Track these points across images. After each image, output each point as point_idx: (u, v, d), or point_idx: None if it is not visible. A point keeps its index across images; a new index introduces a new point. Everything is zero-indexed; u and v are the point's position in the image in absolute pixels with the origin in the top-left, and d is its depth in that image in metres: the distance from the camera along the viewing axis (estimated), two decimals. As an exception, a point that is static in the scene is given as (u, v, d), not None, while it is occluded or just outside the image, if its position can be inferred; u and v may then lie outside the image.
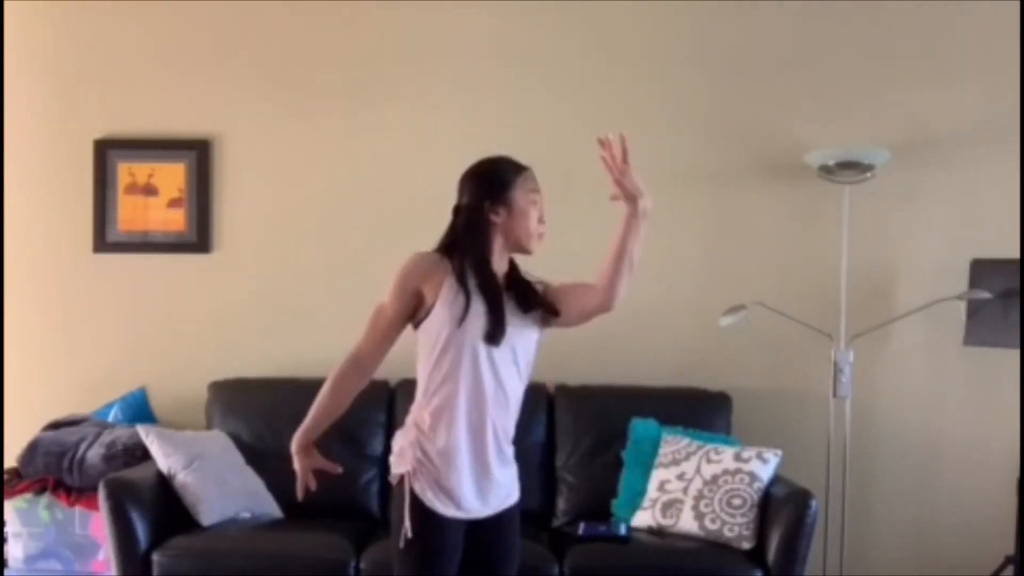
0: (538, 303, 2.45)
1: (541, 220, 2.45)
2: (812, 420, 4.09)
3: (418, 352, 2.45)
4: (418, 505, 2.37)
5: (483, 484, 2.41)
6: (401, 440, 2.47)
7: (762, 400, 4.12)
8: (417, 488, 2.37)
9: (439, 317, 2.35)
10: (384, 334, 2.44)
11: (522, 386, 2.48)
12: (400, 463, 2.44)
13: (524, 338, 2.44)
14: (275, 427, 3.97)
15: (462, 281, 2.36)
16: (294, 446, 2.51)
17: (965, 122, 4.15)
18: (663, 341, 4.20)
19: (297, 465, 2.52)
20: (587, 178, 4.19)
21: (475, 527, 2.43)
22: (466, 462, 2.39)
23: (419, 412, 2.43)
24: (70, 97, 4.33)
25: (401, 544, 2.38)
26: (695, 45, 4.24)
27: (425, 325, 2.39)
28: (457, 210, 2.45)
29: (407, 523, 2.36)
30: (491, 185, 2.42)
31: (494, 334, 2.34)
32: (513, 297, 2.43)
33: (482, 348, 2.36)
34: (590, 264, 4.01)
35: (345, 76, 4.28)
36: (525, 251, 2.46)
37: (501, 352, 2.38)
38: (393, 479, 2.47)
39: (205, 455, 3.68)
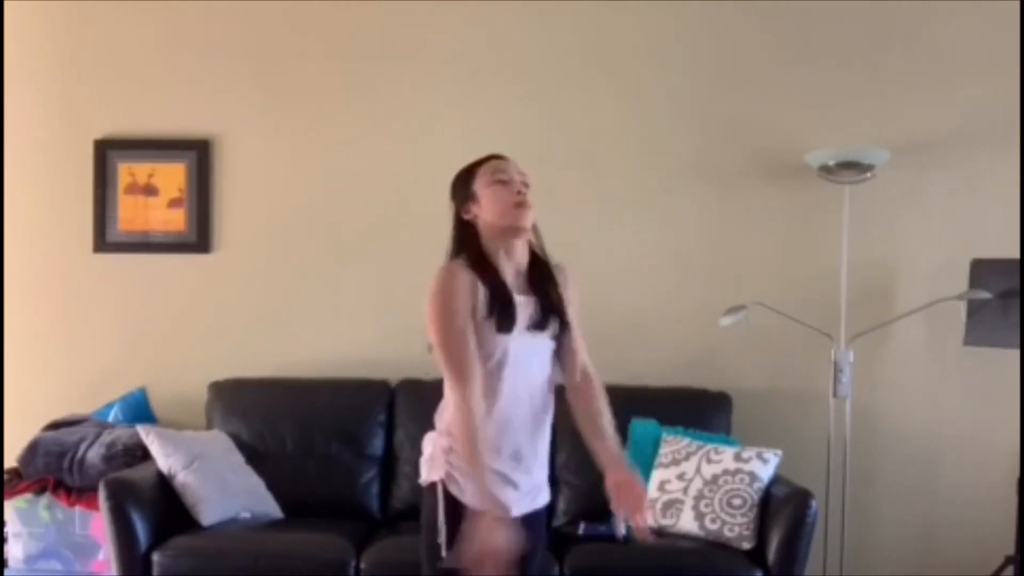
0: (553, 310, 2.40)
1: (519, 201, 2.33)
2: (812, 420, 4.09)
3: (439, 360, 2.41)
4: (454, 506, 2.33)
5: (519, 482, 2.39)
6: (432, 446, 2.43)
7: (762, 400, 4.12)
8: (454, 490, 2.34)
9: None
10: (470, 354, 2.27)
11: (548, 374, 2.44)
12: (432, 470, 2.40)
13: (541, 339, 2.41)
14: (275, 427, 3.98)
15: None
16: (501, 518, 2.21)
17: (965, 122, 4.15)
18: (663, 341, 4.20)
19: (497, 542, 2.17)
20: (585, 177, 4.23)
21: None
22: (505, 463, 2.36)
23: (450, 420, 2.38)
24: (70, 97, 4.34)
25: (436, 545, 2.34)
26: (695, 45, 4.23)
27: None
28: None
29: (442, 526, 2.33)
30: (458, 188, 2.42)
31: (503, 322, 2.30)
32: (534, 295, 2.39)
33: (505, 346, 2.32)
34: (587, 258, 4.06)
35: (345, 76, 4.28)
36: (512, 230, 2.36)
37: (525, 348, 2.36)
38: (424, 483, 2.43)
39: (205, 455, 3.68)
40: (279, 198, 4.32)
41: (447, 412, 2.41)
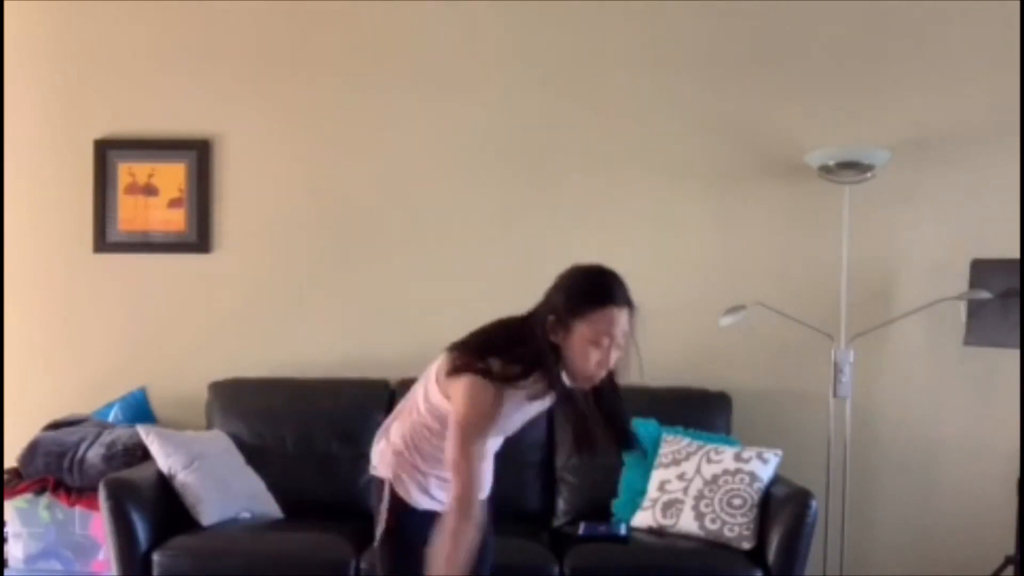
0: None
1: (601, 364, 2.24)
2: (812, 420, 4.08)
3: (433, 408, 2.40)
4: (399, 503, 2.43)
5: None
6: (384, 448, 2.50)
7: (762, 400, 4.12)
8: (400, 490, 2.43)
9: None
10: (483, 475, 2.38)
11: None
12: (381, 467, 2.49)
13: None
14: (275, 427, 3.97)
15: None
16: None
17: (965, 122, 4.15)
18: (663, 341, 4.16)
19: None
20: (584, 177, 4.23)
21: None
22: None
23: (408, 452, 2.44)
24: (70, 97, 4.33)
25: (382, 536, 2.45)
26: (695, 45, 4.23)
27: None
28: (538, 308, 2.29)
29: (382, 518, 2.43)
30: (563, 301, 2.24)
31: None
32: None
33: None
34: (586, 259, 4.04)
35: (345, 76, 4.28)
36: (576, 384, 2.32)
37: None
38: (374, 471, 2.52)
39: (205, 455, 3.68)
40: (279, 198, 4.32)
41: (400, 438, 2.45)
